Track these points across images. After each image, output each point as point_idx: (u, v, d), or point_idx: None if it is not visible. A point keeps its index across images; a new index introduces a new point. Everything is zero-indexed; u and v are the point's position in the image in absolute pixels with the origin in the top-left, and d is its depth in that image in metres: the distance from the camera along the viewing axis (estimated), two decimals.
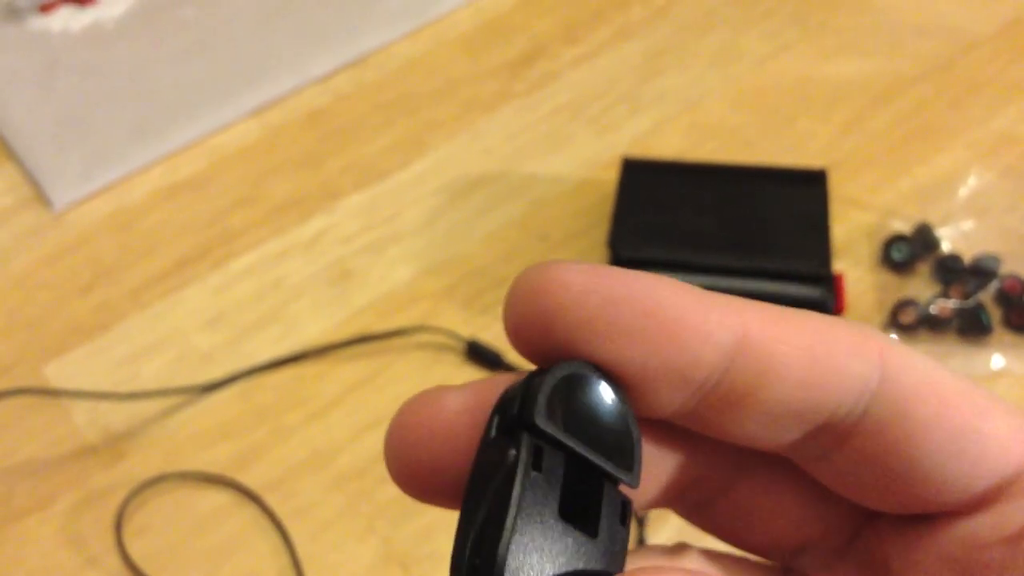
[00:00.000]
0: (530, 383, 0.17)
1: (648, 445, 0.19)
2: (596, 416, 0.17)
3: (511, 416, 0.17)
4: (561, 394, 0.17)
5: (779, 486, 0.19)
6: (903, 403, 0.16)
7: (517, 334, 0.17)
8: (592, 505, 0.17)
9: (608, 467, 0.17)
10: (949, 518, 0.17)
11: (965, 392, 0.17)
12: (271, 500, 0.48)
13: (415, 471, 0.18)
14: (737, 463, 0.19)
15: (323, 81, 0.68)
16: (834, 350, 0.17)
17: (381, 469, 0.49)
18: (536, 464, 0.16)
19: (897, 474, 0.17)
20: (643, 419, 0.18)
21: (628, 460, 0.17)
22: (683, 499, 0.19)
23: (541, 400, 0.17)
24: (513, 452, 0.16)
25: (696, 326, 0.16)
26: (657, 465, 0.19)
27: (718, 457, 0.19)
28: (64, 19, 0.71)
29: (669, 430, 0.19)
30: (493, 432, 0.17)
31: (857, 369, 0.16)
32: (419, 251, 0.58)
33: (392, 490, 0.49)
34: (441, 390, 0.18)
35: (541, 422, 0.17)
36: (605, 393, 0.17)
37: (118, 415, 0.52)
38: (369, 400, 0.52)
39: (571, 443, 0.17)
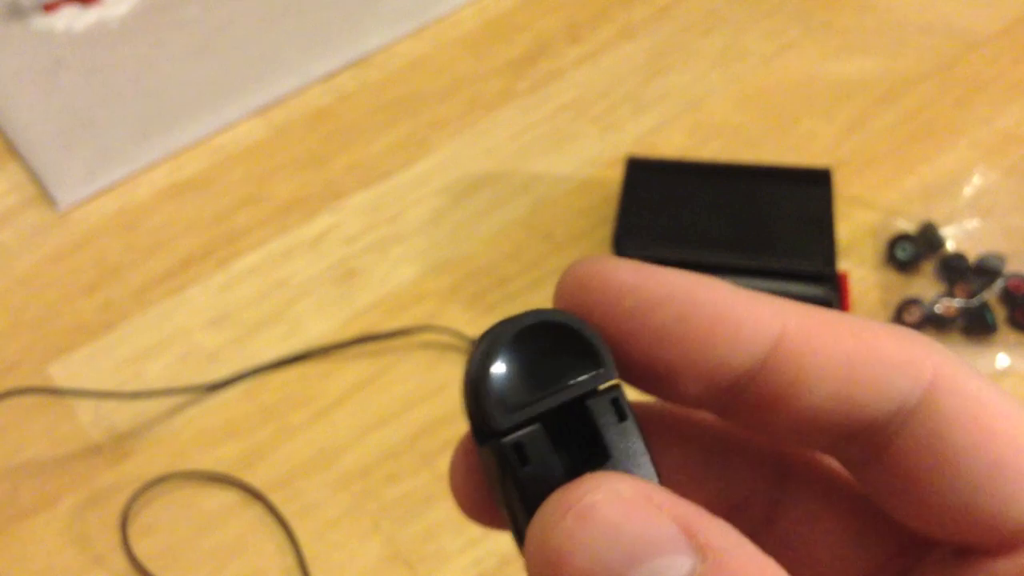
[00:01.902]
0: (476, 388, 0.17)
1: (690, 468, 0.19)
2: (548, 353, 0.17)
3: (478, 432, 0.17)
4: (509, 361, 0.17)
5: (824, 518, 0.18)
6: (944, 425, 0.16)
7: None
8: (593, 431, 0.17)
9: (581, 388, 0.17)
10: (982, 557, 0.16)
11: (1013, 421, 0.16)
12: (276, 499, 0.48)
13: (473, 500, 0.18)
14: (780, 487, 0.19)
15: (327, 80, 0.68)
16: (876, 361, 0.16)
17: (386, 468, 0.49)
18: (523, 459, 0.16)
19: (930, 495, 0.16)
20: (679, 439, 0.18)
21: (594, 359, 0.17)
22: None
23: (491, 406, 0.17)
24: (496, 464, 0.17)
25: (728, 331, 0.16)
26: (699, 490, 0.18)
27: (760, 480, 0.19)
28: (68, 18, 0.71)
29: (708, 454, 0.18)
30: (477, 444, 0.18)
31: (898, 384, 0.16)
32: (423, 250, 0.58)
33: (397, 489, 0.49)
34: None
35: (504, 423, 0.17)
36: (546, 329, 0.17)
37: (123, 414, 0.52)
38: (374, 399, 0.52)
39: (541, 407, 0.17)
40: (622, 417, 0.17)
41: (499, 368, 0.17)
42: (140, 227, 0.60)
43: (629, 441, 0.17)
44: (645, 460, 0.17)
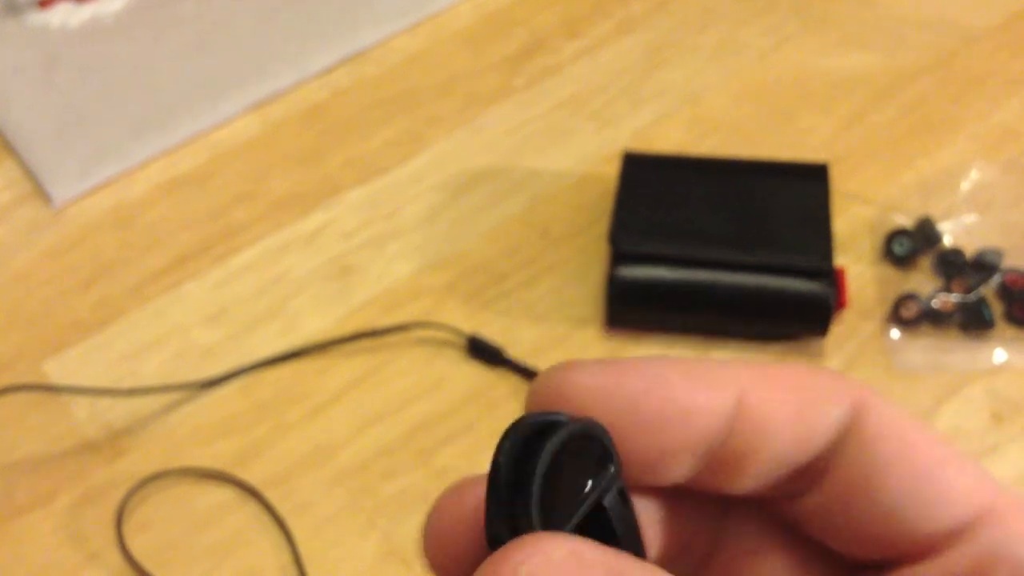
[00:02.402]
0: (513, 511, 0.17)
1: (642, 514, 0.19)
2: (567, 458, 0.17)
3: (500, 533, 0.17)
4: (534, 474, 0.17)
5: (763, 551, 0.20)
6: (870, 443, 0.18)
7: None
8: (607, 520, 0.17)
9: (601, 489, 0.17)
10: (906, 566, 0.18)
11: (929, 440, 0.18)
12: (272, 496, 0.48)
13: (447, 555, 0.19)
14: (721, 524, 0.20)
15: (323, 76, 0.68)
16: (816, 400, 0.18)
17: (382, 464, 0.49)
18: None
19: (863, 512, 0.18)
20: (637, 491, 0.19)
21: (605, 456, 0.17)
22: (676, 568, 0.20)
23: (533, 525, 0.16)
24: None
25: (688, 412, 0.18)
26: (652, 533, 0.19)
27: (702, 519, 0.20)
28: (63, 14, 0.71)
29: (657, 499, 0.19)
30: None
31: (834, 413, 0.18)
32: (420, 246, 0.58)
33: (394, 485, 0.49)
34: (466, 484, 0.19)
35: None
36: (556, 444, 0.17)
37: (119, 411, 0.52)
38: (370, 396, 0.52)
39: (574, 522, 0.17)
40: (626, 502, 0.18)
41: (529, 485, 0.17)
42: (136, 223, 0.60)
43: (628, 520, 0.18)
44: (638, 535, 0.18)
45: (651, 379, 0.18)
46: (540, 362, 0.52)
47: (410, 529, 0.47)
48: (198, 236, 0.59)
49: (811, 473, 0.18)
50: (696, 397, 0.18)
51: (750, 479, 0.18)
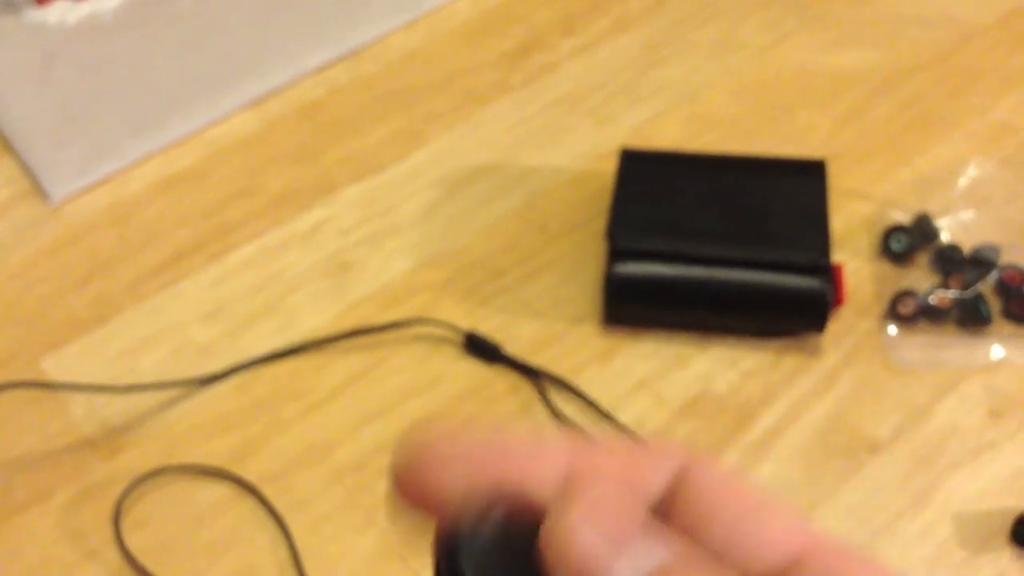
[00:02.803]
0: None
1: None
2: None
3: None
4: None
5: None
6: (696, 494, 0.20)
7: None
8: None
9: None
10: None
11: (749, 491, 0.20)
12: (270, 493, 0.48)
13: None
14: None
15: (320, 73, 0.68)
16: (643, 465, 0.20)
17: (380, 461, 0.49)
18: None
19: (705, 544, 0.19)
20: None
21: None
22: None
23: None
24: None
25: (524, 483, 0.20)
26: None
27: None
28: (61, 11, 0.71)
29: None
30: None
31: (662, 470, 0.20)
32: (417, 243, 0.58)
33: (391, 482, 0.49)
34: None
35: None
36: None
37: (116, 408, 0.52)
38: (368, 392, 0.52)
39: None
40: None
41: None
42: (133, 221, 0.60)
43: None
44: None
45: (496, 458, 0.20)
46: (537, 359, 0.52)
47: (407, 526, 0.47)
48: (195, 233, 0.59)
49: (661, 513, 0.20)
50: (531, 468, 0.20)
51: None
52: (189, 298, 0.56)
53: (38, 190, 0.62)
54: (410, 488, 0.20)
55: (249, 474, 0.49)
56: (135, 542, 0.47)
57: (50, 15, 0.71)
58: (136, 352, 0.54)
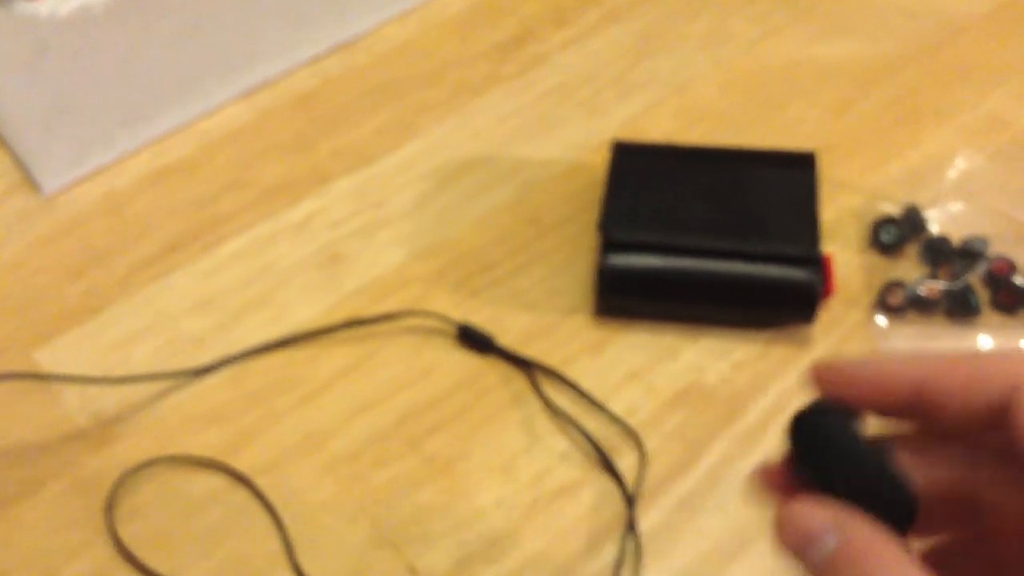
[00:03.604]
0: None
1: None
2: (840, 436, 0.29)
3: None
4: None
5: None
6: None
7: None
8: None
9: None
10: None
11: None
12: (263, 484, 0.48)
13: None
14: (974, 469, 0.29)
15: (312, 64, 0.68)
16: (978, 378, 0.27)
17: (372, 452, 0.49)
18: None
19: None
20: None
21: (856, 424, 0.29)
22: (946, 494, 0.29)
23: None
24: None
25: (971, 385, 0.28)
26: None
27: (959, 467, 0.29)
28: (52, 3, 0.71)
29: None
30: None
31: (994, 387, 0.27)
32: (409, 235, 0.58)
33: (384, 473, 0.49)
34: None
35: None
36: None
37: (109, 399, 0.52)
38: (360, 384, 0.52)
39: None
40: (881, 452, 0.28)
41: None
42: (125, 212, 0.60)
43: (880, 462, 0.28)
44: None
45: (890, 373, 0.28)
46: (529, 350, 0.52)
47: (401, 516, 0.47)
48: (187, 225, 0.59)
49: (993, 423, 0.27)
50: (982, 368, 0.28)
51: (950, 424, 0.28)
52: (182, 289, 0.56)
53: (30, 182, 0.62)
54: (823, 375, 0.29)
55: (242, 465, 0.49)
56: (128, 533, 0.47)
57: (41, 7, 0.71)
58: (129, 343, 0.54)
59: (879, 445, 0.28)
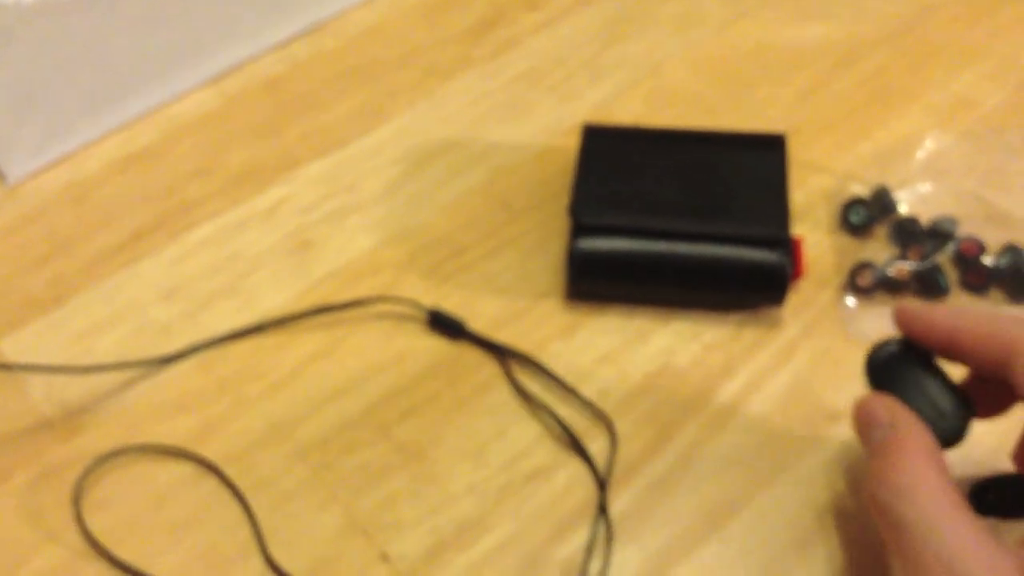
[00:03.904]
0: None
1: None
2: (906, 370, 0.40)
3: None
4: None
5: None
6: None
7: None
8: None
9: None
10: None
11: None
12: (232, 472, 0.48)
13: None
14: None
15: (280, 49, 0.67)
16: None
17: (343, 439, 0.49)
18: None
19: None
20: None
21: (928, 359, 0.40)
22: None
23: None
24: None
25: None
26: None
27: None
28: None
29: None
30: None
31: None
32: (379, 220, 0.57)
33: (354, 460, 0.48)
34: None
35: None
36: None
37: (75, 389, 0.51)
38: (330, 371, 0.52)
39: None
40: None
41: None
42: (91, 200, 0.59)
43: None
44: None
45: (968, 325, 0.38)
46: (501, 335, 0.52)
47: (372, 503, 0.47)
48: (154, 212, 0.59)
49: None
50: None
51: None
52: (149, 277, 0.56)
53: None
54: (905, 318, 0.39)
55: (211, 453, 0.49)
56: (96, 523, 0.47)
57: None
58: (95, 332, 0.53)
59: (943, 375, 0.38)
